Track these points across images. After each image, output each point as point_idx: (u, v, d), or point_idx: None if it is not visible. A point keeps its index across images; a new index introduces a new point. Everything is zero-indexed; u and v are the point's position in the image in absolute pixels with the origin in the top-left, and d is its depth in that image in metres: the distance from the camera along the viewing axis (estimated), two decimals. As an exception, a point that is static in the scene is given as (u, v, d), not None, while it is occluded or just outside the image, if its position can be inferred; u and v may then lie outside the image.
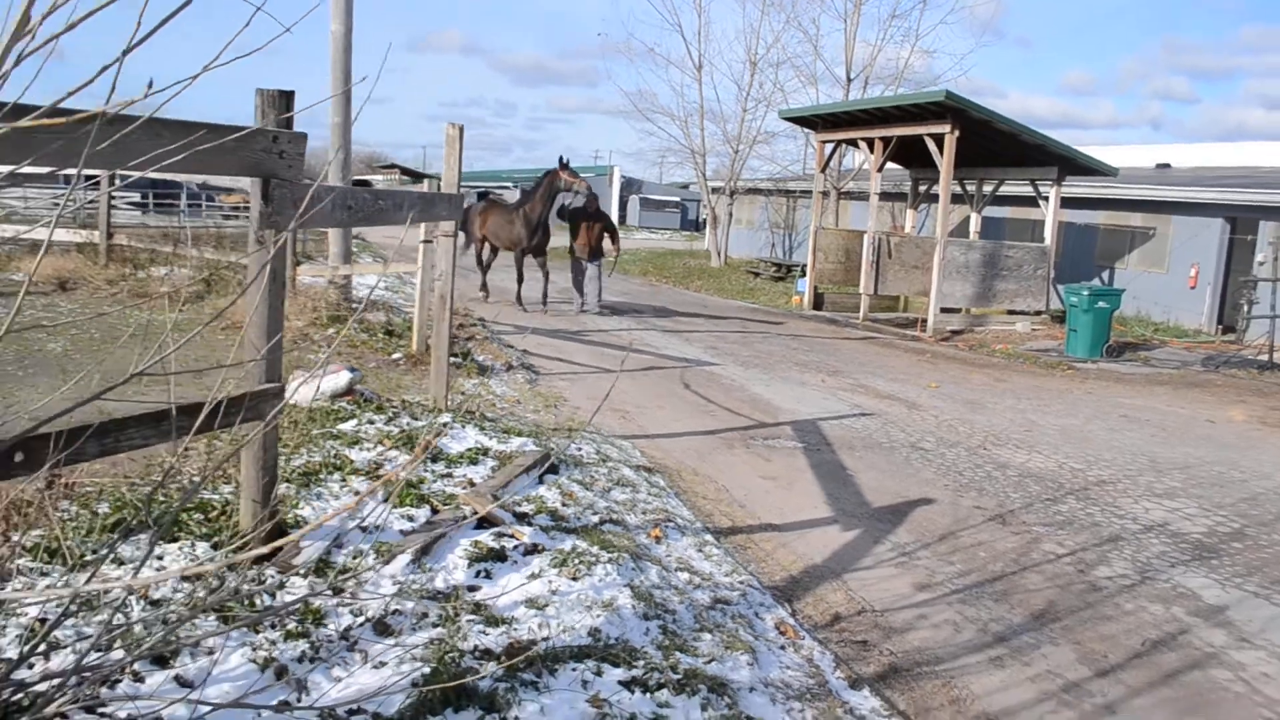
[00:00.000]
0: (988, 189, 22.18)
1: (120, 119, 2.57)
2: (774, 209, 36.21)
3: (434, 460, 5.81)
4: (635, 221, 68.21)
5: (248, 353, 3.86)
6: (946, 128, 18.16)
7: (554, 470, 6.17)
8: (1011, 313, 20.27)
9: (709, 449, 8.17)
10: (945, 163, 18.32)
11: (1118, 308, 17.49)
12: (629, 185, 69.84)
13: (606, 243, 17.99)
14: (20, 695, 2.79)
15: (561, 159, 17.21)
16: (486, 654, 3.48)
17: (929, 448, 8.94)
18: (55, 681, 2.83)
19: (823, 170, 23.58)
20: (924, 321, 19.00)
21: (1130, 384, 14.31)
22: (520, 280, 17.71)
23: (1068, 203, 21.49)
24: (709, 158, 35.65)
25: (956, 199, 20.97)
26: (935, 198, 20.50)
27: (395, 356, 10.14)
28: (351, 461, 5.44)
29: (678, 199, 70.41)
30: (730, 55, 75.42)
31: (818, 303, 22.25)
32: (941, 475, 8.01)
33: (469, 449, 6.15)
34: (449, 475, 5.63)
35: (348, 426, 6.23)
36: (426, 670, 3.30)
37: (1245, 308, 18.88)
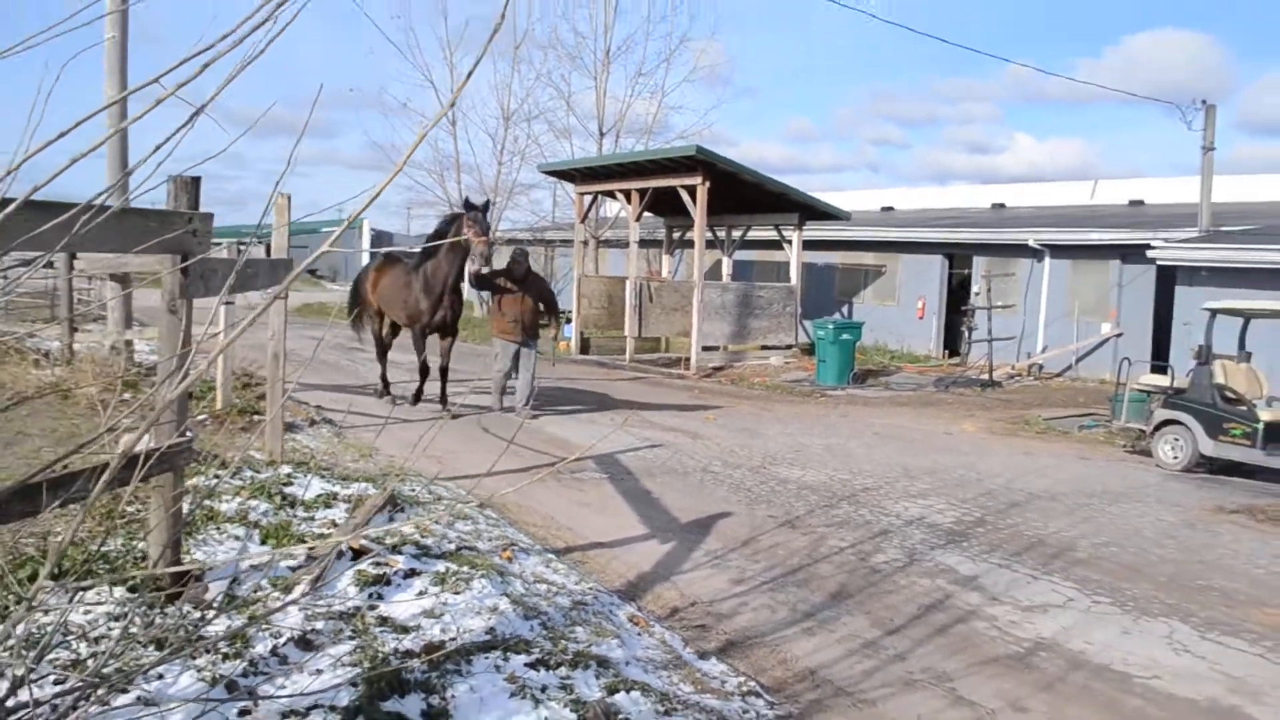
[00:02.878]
0: (737, 234, 23.98)
1: (55, 205, 3.01)
2: (533, 258, 37.15)
3: (292, 506, 6.25)
4: (389, 274, 67.60)
5: (159, 409, 4.29)
6: (698, 179, 19.62)
7: (399, 509, 6.71)
8: (765, 348, 21.92)
9: (526, 486, 8.85)
10: (699, 211, 19.77)
11: (859, 339, 19.42)
12: (380, 238, 69.33)
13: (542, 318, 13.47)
14: (14, 717, 3.20)
15: (468, 201, 12.45)
16: (408, 654, 4.07)
17: (718, 470, 9.96)
18: (40, 709, 3.26)
19: (583, 220, 24.71)
20: (687, 360, 20.28)
21: (877, 406, 16.02)
22: (423, 373, 13.01)
23: (809, 245, 23.49)
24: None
25: (709, 244, 22.55)
26: (689, 243, 22.04)
27: (201, 417, 10.26)
28: (221, 512, 5.81)
29: (401, 249, 70.43)
30: (484, 110, 76.12)
31: (584, 347, 23.24)
32: (733, 492, 9.02)
33: (319, 495, 6.61)
34: (311, 518, 6.09)
35: (197, 481, 6.54)
36: (362, 671, 3.86)
37: (966, 334, 21.34)
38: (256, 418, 10.32)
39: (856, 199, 31.29)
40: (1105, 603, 6.31)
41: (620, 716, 3.74)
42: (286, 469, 7.25)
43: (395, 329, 14.03)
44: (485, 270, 12.49)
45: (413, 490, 7.58)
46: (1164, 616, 6.10)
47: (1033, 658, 5.32)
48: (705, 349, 20.51)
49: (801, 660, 5.06)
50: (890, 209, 31.91)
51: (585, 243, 26.34)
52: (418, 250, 13.45)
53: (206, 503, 6.03)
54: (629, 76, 31.85)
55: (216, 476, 6.78)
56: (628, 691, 4.02)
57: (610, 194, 23.71)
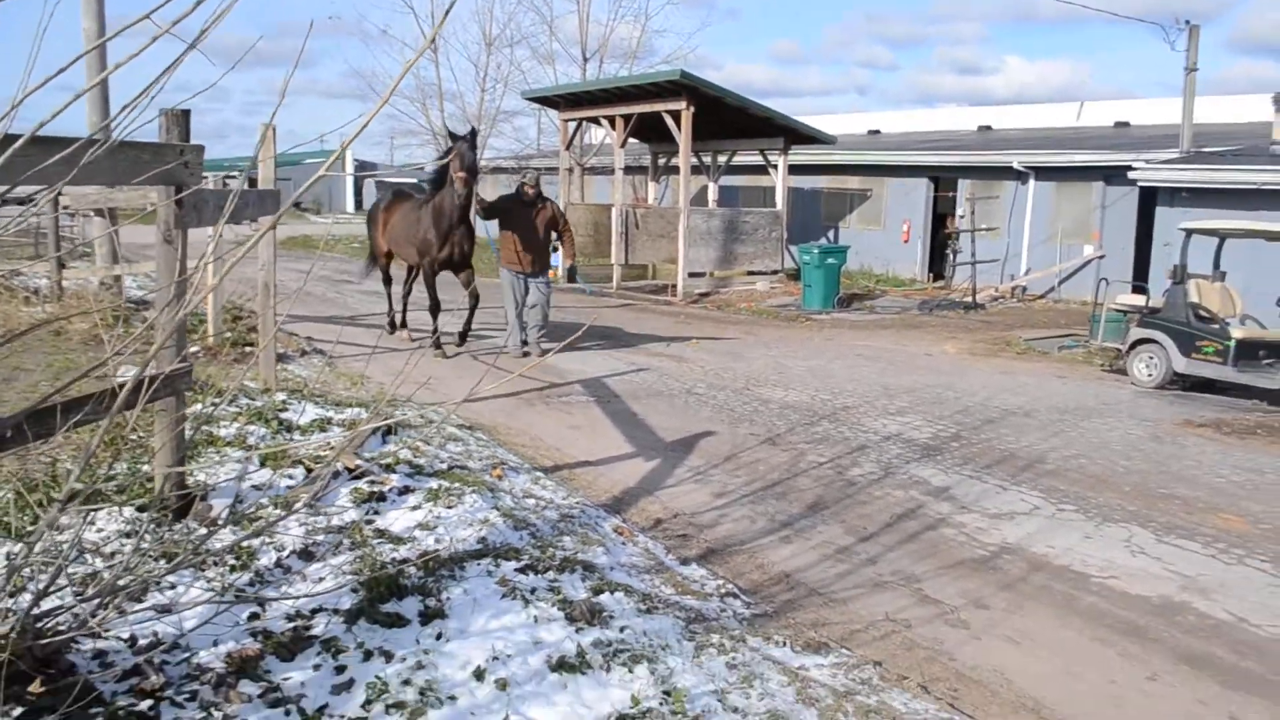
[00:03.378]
0: (722, 160, 23.97)
1: (58, 140, 3.17)
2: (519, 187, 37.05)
3: (289, 431, 6.47)
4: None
5: (160, 337, 4.48)
6: (683, 104, 19.59)
7: (392, 432, 6.94)
8: (752, 273, 22.06)
9: (514, 408, 9.08)
10: (684, 137, 19.77)
11: (845, 263, 19.59)
12: (363, 168, 68.79)
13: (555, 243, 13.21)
14: (40, 624, 3.44)
15: (451, 131, 12.08)
16: (404, 562, 4.32)
17: (702, 392, 10.20)
18: (62, 615, 3.50)
19: (567, 148, 24.67)
20: (674, 287, 20.43)
21: (860, 329, 16.26)
22: (435, 309, 11.91)
23: (794, 169, 23.52)
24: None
25: (695, 170, 22.56)
26: (675, 170, 22.06)
27: (194, 349, 10.44)
28: (220, 437, 6.04)
29: (414, 181, 69.94)
30: (465, 36, 75.15)
31: (571, 275, 23.38)
32: (717, 413, 9.27)
33: (314, 420, 6.83)
34: (307, 442, 6.31)
35: (195, 409, 6.75)
36: (361, 577, 4.11)
37: (951, 257, 21.52)
38: (248, 349, 10.50)
39: (843, 122, 31.21)
40: (1070, 510, 6.61)
41: (605, 614, 4.00)
42: (281, 396, 7.45)
43: (412, 271, 13.12)
44: (485, 200, 11.94)
45: (404, 415, 7.80)
46: (1125, 523, 6.40)
47: (997, 560, 5.61)
48: (691, 275, 20.65)
49: (778, 565, 5.34)
50: (876, 132, 31.85)
51: (570, 170, 26.31)
52: (427, 184, 12.62)
53: (205, 428, 6.25)
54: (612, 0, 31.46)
55: (214, 404, 7.01)
56: (612, 592, 4.28)
57: (595, 120, 23.64)
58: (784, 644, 4.19)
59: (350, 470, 5.64)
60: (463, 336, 11.99)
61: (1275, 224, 12.93)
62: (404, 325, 13.37)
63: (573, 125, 24.33)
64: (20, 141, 2.75)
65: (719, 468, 7.37)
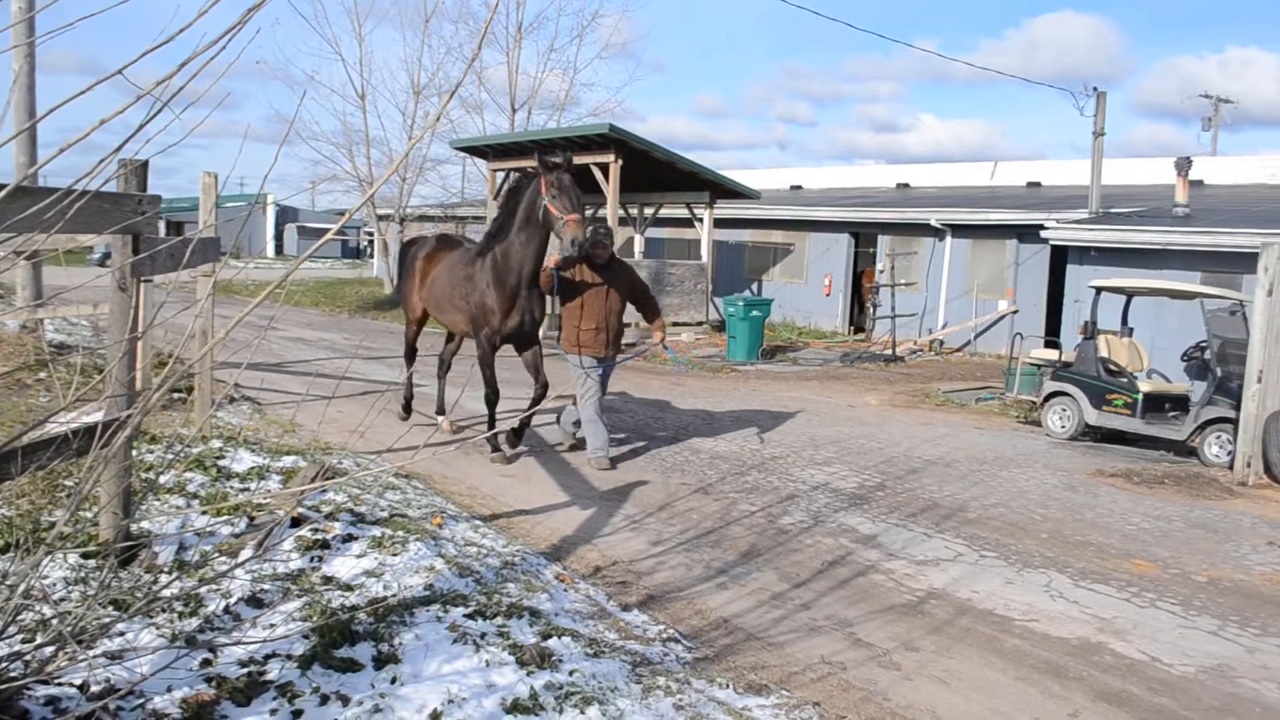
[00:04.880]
0: (649, 212, 24.38)
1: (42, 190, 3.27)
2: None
3: (228, 478, 6.48)
4: (294, 251, 66.65)
5: (111, 386, 4.52)
6: (611, 157, 19.95)
7: (330, 479, 6.96)
8: (677, 324, 22.36)
9: (450, 457, 9.13)
10: (611, 189, 20.11)
11: (768, 315, 19.99)
12: (285, 213, 68.00)
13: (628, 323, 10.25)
14: (-8, 672, 3.45)
15: (542, 157, 8.64)
16: (355, 609, 4.39)
17: (634, 442, 10.36)
18: (14, 663, 3.52)
19: (495, 197, 24.85)
20: (603, 336, 20.60)
21: (785, 380, 16.60)
22: (494, 398, 9.20)
23: (720, 223, 24.03)
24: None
25: (622, 222, 22.89)
26: (601, 220, 22.36)
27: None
28: (160, 484, 6.02)
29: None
30: (394, 84, 75.47)
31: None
32: (649, 462, 9.43)
33: (252, 468, 6.84)
34: (246, 489, 6.33)
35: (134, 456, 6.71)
36: (313, 624, 4.17)
37: (871, 310, 22.10)
38: (176, 395, 10.41)
39: (766, 177, 31.95)
40: (992, 557, 6.88)
41: (554, 657, 4.11)
42: (217, 443, 7.44)
43: (454, 341, 10.74)
44: (562, 258, 9.14)
45: (340, 463, 7.82)
46: (1044, 568, 6.68)
47: (925, 605, 5.83)
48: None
49: (716, 611, 5.49)
50: (799, 188, 32.63)
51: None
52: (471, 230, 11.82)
53: (146, 475, 6.23)
54: (541, 52, 31.90)
55: (150, 450, 6.97)
56: (559, 637, 4.40)
57: (522, 171, 23.86)
58: (727, 686, 4.34)
59: (294, 518, 5.67)
60: (518, 433, 9.51)
61: (1179, 283, 13.60)
62: (440, 411, 10.61)
63: (501, 175, 24.54)
64: (8, 189, 2.83)
65: (654, 516, 7.52)
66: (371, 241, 46.77)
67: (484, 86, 32.16)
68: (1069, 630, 5.55)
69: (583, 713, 3.66)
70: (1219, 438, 11.18)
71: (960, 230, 22.27)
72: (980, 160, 31.25)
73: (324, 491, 6.65)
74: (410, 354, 10.84)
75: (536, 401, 9.09)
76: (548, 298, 9.31)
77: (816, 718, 4.15)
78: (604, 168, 20.11)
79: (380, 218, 36.44)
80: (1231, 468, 10.55)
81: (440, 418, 10.52)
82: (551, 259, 9.06)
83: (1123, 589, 6.33)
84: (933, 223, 22.31)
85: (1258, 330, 10.37)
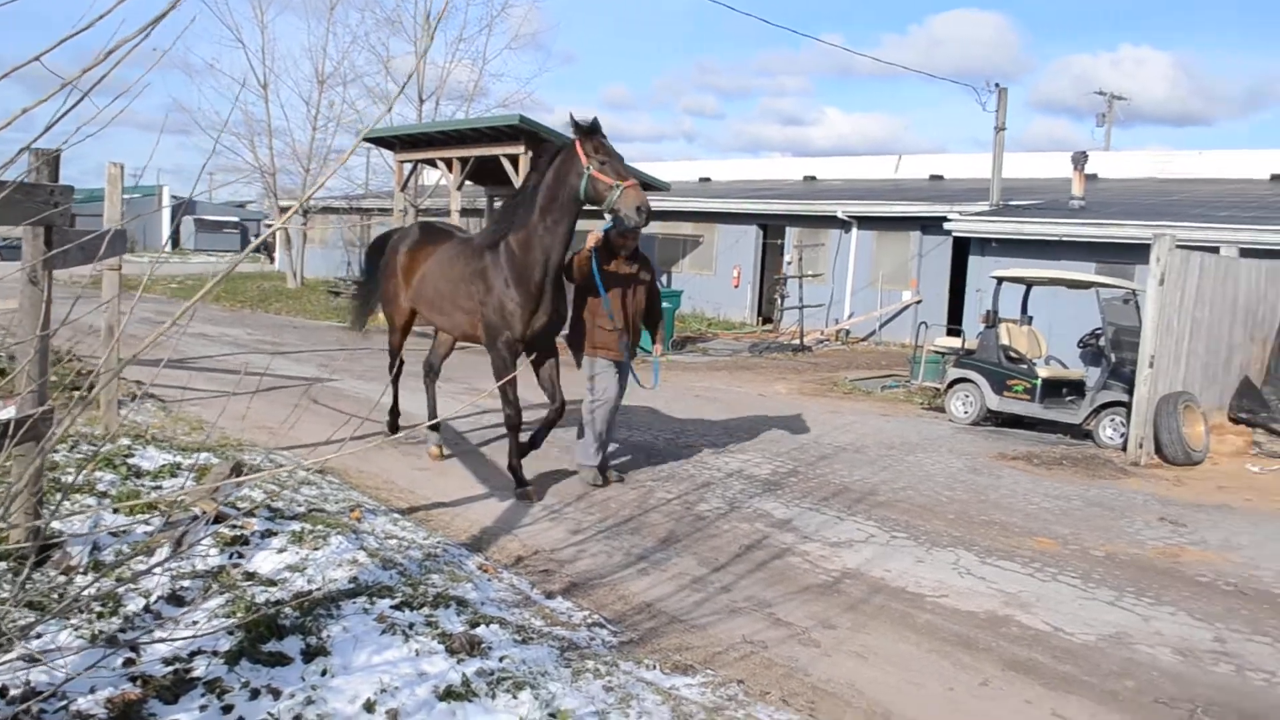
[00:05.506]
0: (557, 204, 24.35)
1: None
2: (349, 227, 36.62)
3: (138, 476, 6.35)
4: (191, 244, 64.91)
5: (23, 382, 4.42)
6: (521, 148, 19.84)
7: (244, 475, 6.87)
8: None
9: (364, 452, 9.04)
10: (522, 181, 20.01)
11: (679, 307, 20.16)
12: (181, 206, 66.14)
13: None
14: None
15: (576, 120, 7.25)
16: (280, 603, 4.36)
17: (553, 434, 10.38)
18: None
19: (402, 189, 24.57)
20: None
21: (696, 371, 16.78)
22: (516, 421, 7.86)
23: (630, 215, 24.06)
24: (278, 176, 35.23)
25: (532, 214, 22.75)
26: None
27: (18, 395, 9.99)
28: (68, 483, 5.88)
29: (237, 219, 67.67)
30: (297, 73, 73.91)
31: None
32: (565, 453, 9.46)
33: (164, 465, 6.71)
34: (158, 487, 6.22)
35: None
36: (238, 620, 4.14)
37: (779, 301, 22.43)
38: (75, 393, 10.12)
39: (675, 169, 32.14)
40: (902, 537, 7.10)
41: (483, 645, 4.15)
42: (125, 441, 7.28)
43: (448, 347, 9.49)
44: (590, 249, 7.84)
45: (254, 459, 7.72)
46: (951, 547, 6.93)
47: (840, 585, 6.01)
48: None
49: (638, 596, 5.58)
50: (707, 180, 32.93)
51: (405, 212, 26.19)
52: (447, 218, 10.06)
53: (52, 474, 6.07)
54: (449, 42, 31.49)
55: (55, 450, 6.79)
56: (487, 625, 4.44)
57: (431, 162, 23.63)
58: (654, 667, 4.43)
59: (210, 515, 5.59)
60: (533, 441, 8.15)
61: (1075, 273, 14.10)
62: (434, 428, 9.20)
63: (408, 167, 24.26)
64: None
65: (572, 506, 7.57)
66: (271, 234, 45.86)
67: (391, 77, 31.69)
68: (977, 604, 5.77)
69: (515, 697, 3.71)
70: (1113, 420, 11.64)
71: (866, 222, 22.74)
72: (884, 154, 31.99)
73: (240, 488, 6.57)
74: (397, 364, 9.40)
75: (550, 425, 8.00)
76: (565, 294, 7.97)
77: (741, 694, 4.26)
78: (514, 159, 20.01)
79: (283, 210, 35.73)
80: (1125, 449, 11.01)
81: (433, 436, 9.15)
82: (592, 237, 7.83)
83: (1026, 565, 6.60)
84: (839, 215, 22.74)
85: (1150, 318, 10.84)
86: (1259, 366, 13.28)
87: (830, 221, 23.06)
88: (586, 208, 7.40)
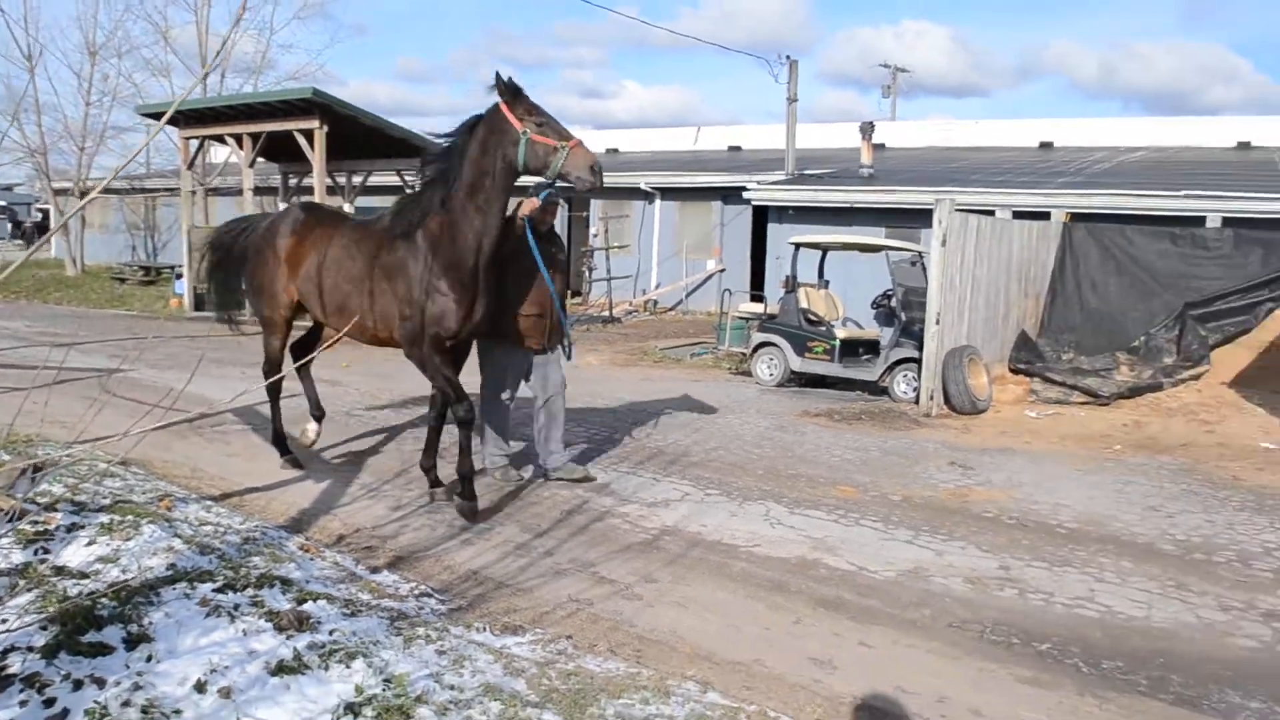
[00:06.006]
0: (358, 180, 23.79)
1: None
2: (131, 209, 34.74)
3: (-78, 476, 5.97)
4: (-60, 229, 60.01)
5: None
6: (316, 123, 19.30)
7: (39, 470, 6.55)
8: (395, 294, 21.99)
9: (166, 441, 8.71)
10: (317, 157, 19.48)
11: (487, 280, 20.07)
12: (-66, 190, 61.16)
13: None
14: None
15: (506, 80, 6.29)
16: (95, 594, 4.24)
17: (361, 414, 10.28)
18: None
19: (189, 167, 23.49)
20: (317, 310, 20.01)
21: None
22: (469, 415, 6.69)
23: (432, 190, 23.73)
24: (50, 155, 32.98)
25: (330, 191, 22.25)
26: (308, 190, 21.63)
27: None
28: None
29: (3, 203, 63.04)
30: (66, 43, 69.05)
31: (199, 304, 22.18)
32: (379, 431, 9.41)
33: (-52, 463, 6.32)
34: (-54, 486, 5.86)
35: None
36: (52, 614, 4.00)
37: (586, 274, 22.65)
38: None
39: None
40: (716, 494, 7.42)
41: (312, 620, 4.15)
42: (-99, 440, 6.82)
43: (313, 332, 8.24)
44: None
45: (48, 454, 7.35)
46: (762, 500, 7.29)
47: (659, 542, 6.25)
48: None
49: (464, 565, 5.66)
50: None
51: (193, 192, 25.07)
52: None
53: None
54: (234, 12, 30.11)
55: None
56: (314, 601, 4.43)
57: (219, 139, 22.63)
58: (484, 630, 4.53)
59: (13, 511, 5.33)
60: (465, 480, 6.75)
61: (866, 238, 14.85)
62: (318, 417, 8.05)
63: (195, 144, 23.19)
64: None
65: (391, 483, 7.55)
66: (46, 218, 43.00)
67: (170, 48, 30.18)
68: (788, 551, 6.11)
69: (348, 667, 3.74)
70: (906, 376, 12.39)
71: (669, 193, 23.20)
72: (684, 125, 32.56)
73: (35, 483, 6.26)
74: (276, 370, 7.91)
75: (466, 423, 6.73)
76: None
77: (570, 648, 4.42)
78: (308, 134, 19.45)
79: (57, 192, 33.56)
80: (918, 402, 11.75)
81: (311, 427, 8.04)
82: (527, 205, 7.14)
83: (831, 512, 7.02)
84: (642, 186, 23.10)
85: (935, 277, 11.55)
86: (1034, 320, 14.36)
87: (634, 193, 23.42)
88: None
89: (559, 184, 6.57)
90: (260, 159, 22.03)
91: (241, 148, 20.93)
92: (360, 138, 20.72)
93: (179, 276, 23.97)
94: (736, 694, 4.07)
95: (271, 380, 7.78)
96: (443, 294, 6.53)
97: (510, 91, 6.31)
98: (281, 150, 21.70)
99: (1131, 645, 4.91)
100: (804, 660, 4.53)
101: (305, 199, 9.00)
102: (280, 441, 8.03)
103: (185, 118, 22.08)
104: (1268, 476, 8.82)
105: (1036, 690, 4.36)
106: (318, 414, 8.05)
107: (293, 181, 24.38)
